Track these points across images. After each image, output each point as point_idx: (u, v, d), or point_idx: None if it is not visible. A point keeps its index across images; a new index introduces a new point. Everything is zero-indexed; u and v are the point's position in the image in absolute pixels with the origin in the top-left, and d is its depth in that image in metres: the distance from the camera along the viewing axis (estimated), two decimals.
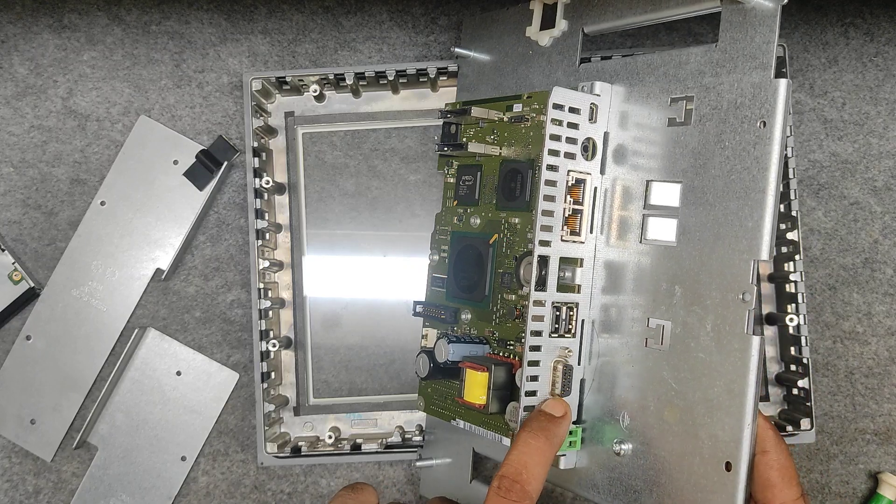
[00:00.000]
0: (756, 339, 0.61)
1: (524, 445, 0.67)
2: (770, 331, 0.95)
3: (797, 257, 0.91)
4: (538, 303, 0.70)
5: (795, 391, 0.91)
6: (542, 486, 0.67)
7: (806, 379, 0.90)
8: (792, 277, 0.91)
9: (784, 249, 0.93)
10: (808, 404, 0.90)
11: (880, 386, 0.97)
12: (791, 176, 0.90)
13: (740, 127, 0.63)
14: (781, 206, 0.92)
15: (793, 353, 0.91)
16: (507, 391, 0.74)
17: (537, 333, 0.70)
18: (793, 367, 0.92)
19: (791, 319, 0.90)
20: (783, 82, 0.61)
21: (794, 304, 0.91)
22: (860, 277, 0.98)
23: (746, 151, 0.63)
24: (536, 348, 0.70)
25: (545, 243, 0.70)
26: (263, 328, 0.95)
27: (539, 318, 0.70)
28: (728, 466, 0.62)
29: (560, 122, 0.70)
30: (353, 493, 0.71)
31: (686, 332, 0.66)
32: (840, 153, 0.99)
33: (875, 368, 0.97)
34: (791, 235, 0.91)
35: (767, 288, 0.95)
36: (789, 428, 0.90)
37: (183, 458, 1.00)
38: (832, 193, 0.98)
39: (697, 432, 0.64)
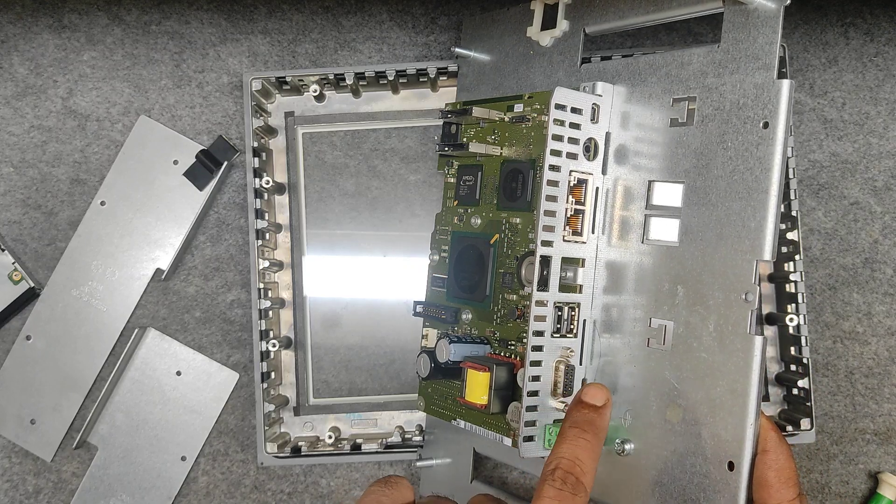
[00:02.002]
0: (759, 339, 0.61)
1: (573, 440, 0.65)
2: (770, 331, 0.95)
3: (797, 257, 0.91)
4: (540, 303, 0.70)
5: (795, 391, 0.91)
6: (594, 479, 0.65)
7: (806, 379, 0.90)
8: (792, 277, 0.91)
9: (784, 249, 0.93)
10: (808, 404, 0.90)
11: (880, 386, 0.97)
12: (791, 176, 0.90)
13: (743, 128, 0.63)
14: (781, 206, 0.92)
15: (793, 353, 0.92)
16: (508, 391, 0.74)
17: (539, 333, 0.70)
18: (793, 367, 0.93)
19: (791, 319, 0.90)
20: (786, 83, 0.62)
21: (794, 304, 0.91)
22: (860, 277, 0.98)
23: (749, 152, 0.63)
24: (538, 348, 0.70)
25: (547, 243, 0.70)
26: (263, 328, 0.95)
27: (541, 319, 0.70)
28: (731, 466, 0.62)
29: (562, 123, 0.70)
30: (387, 487, 0.69)
31: (688, 332, 0.66)
32: (840, 153, 0.99)
33: (875, 368, 0.97)
34: (791, 235, 0.91)
35: (767, 288, 0.96)
36: (789, 428, 0.90)
37: (183, 458, 1.00)
38: (832, 193, 0.99)
39: (700, 432, 0.64)
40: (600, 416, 0.68)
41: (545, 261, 0.70)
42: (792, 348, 0.92)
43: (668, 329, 0.68)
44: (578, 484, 0.63)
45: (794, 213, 0.91)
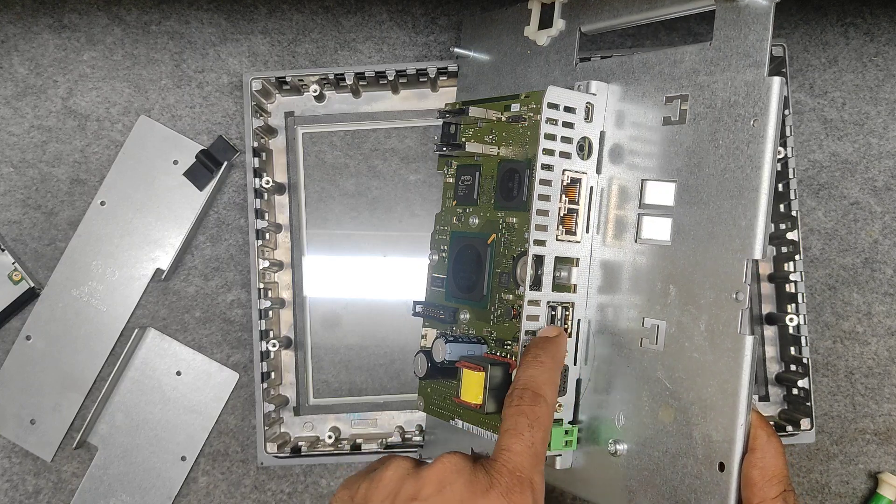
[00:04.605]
0: (749, 339, 0.61)
1: (528, 364, 0.67)
2: (770, 331, 0.95)
3: (797, 257, 0.91)
4: (533, 302, 0.70)
5: (795, 391, 0.91)
6: (556, 395, 0.67)
7: (806, 379, 0.90)
8: (792, 277, 0.91)
9: (784, 249, 0.93)
10: (808, 404, 0.90)
11: (880, 386, 0.97)
12: (791, 176, 0.90)
13: (734, 125, 0.63)
14: (781, 206, 0.92)
15: (793, 353, 0.91)
16: (503, 391, 0.73)
17: (532, 333, 0.70)
18: (793, 367, 0.92)
19: (791, 319, 0.90)
20: (776, 80, 0.61)
21: (794, 304, 0.91)
22: (860, 277, 0.98)
23: (740, 150, 0.63)
24: None
25: (540, 242, 0.70)
26: (263, 328, 0.95)
27: (534, 318, 0.70)
28: (721, 467, 0.62)
29: (555, 122, 0.70)
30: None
31: (680, 331, 0.66)
32: (840, 153, 0.98)
33: (875, 368, 0.97)
34: (791, 235, 0.91)
35: (767, 288, 0.95)
36: (789, 428, 0.90)
37: (183, 458, 1.00)
38: (832, 193, 0.98)
39: (691, 433, 0.64)
40: (554, 343, 0.69)
41: (538, 260, 0.70)
42: (792, 348, 0.92)
43: (660, 329, 0.68)
44: (536, 396, 0.65)
45: (794, 213, 0.90)
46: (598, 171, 0.73)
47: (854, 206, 0.98)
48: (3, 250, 1.00)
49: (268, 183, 0.95)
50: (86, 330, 1.01)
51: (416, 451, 0.94)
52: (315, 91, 0.97)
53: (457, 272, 0.82)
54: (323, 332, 1.00)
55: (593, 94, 0.73)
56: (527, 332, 0.70)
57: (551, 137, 0.70)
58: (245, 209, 1.01)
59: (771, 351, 0.95)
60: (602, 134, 0.73)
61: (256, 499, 1.01)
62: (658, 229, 0.69)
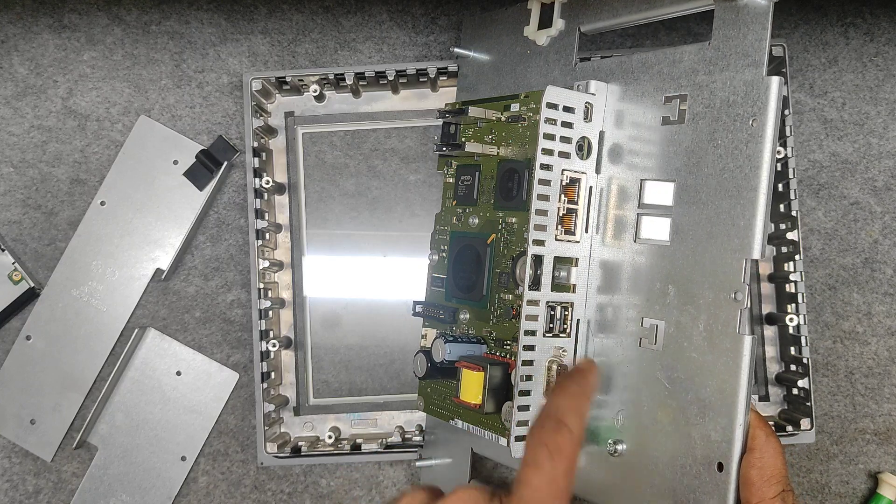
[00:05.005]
0: (748, 339, 0.61)
1: (555, 394, 0.65)
2: (770, 331, 0.95)
3: (797, 257, 0.90)
4: (532, 302, 0.70)
5: (795, 391, 0.91)
6: (584, 426, 0.63)
7: (806, 379, 0.90)
8: (792, 277, 0.91)
9: (784, 249, 0.93)
10: (808, 404, 0.90)
11: (880, 386, 0.97)
12: (791, 176, 0.90)
13: (733, 125, 0.63)
14: (781, 206, 0.92)
15: (793, 353, 0.91)
16: (503, 391, 0.73)
17: (531, 333, 0.70)
18: (793, 367, 0.92)
19: (791, 319, 0.90)
20: (775, 80, 0.61)
21: (794, 304, 0.91)
22: (860, 277, 0.98)
23: (738, 150, 0.63)
24: (530, 348, 0.70)
25: (539, 242, 0.70)
26: (263, 328, 0.95)
27: (533, 318, 0.70)
28: (720, 467, 0.61)
29: (554, 122, 0.70)
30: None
31: (679, 331, 0.66)
32: (840, 153, 0.98)
33: (875, 368, 0.97)
34: (791, 235, 0.91)
35: (767, 288, 0.95)
36: (789, 428, 0.90)
37: (183, 458, 1.00)
38: (832, 193, 0.98)
39: (690, 433, 0.64)
40: (581, 373, 0.68)
41: (538, 260, 0.70)
42: (792, 348, 0.92)
43: (659, 329, 0.68)
44: (559, 423, 0.60)
45: (794, 213, 0.90)
46: (598, 170, 0.73)
47: (854, 206, 0.98)
48: (3, 250, 1.00)
49: (268, 183, 0.95)
50: (86, 330, 1.01)
51: (416, 451, 0.95)
52: (315, 91, 0.97)
53: (457, 272, 0.82)
54: (323, 332, 1.00)
55: (592, 94, 0.73)
56: (526, 332, 0.70)
57: (550, 137, 0.70)
58: (245, 209, 1.01)
59: (771, 351, 0.95)
60: (601, 134, 0.73)
61: (256, 499, 1.01)
62: (657, 229, 0.69)
